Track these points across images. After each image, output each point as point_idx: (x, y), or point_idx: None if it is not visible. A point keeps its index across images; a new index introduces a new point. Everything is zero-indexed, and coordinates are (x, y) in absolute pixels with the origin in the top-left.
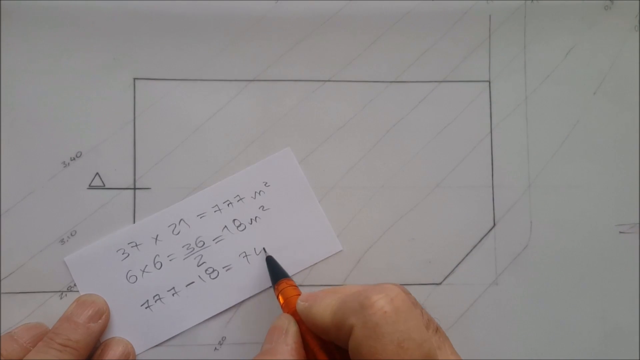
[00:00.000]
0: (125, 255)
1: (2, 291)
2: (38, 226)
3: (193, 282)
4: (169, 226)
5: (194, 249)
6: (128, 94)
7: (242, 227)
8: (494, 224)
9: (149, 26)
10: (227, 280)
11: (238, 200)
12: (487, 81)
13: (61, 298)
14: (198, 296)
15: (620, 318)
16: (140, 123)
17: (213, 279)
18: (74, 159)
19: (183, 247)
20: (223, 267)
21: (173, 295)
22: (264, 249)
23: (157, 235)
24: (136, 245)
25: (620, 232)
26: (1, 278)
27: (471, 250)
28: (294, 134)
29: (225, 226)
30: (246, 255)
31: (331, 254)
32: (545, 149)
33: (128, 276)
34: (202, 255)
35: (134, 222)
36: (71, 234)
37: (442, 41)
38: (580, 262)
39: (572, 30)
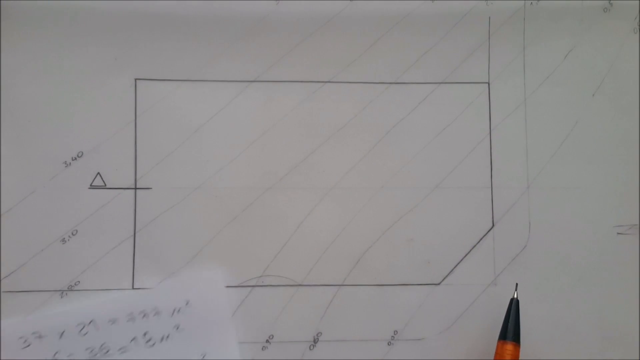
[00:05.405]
0: (27, 344)
1: (2, 290)
2: (39, 225)
3: None
4: (78, 325)
5: (96, 354)
6: (129, 94)
7: (151, 343)
8: (493, 225)
9: (150, 27)
10: None
11: (155, 314)
12: (486, 83)
13: (62, 297)
14: None
15: (618, 319)
16: (142, 123)
17: None
18: (75, 158)
19: (86, 349)
20: None
21: None
22: (516, 284)
23: (64, 332)
24: (39, 337)
25: (618, 234)
26: (2, 277)
27: (470, 251)
28: (295, 135)
29: (135, 337)
30: None
31: None
32: (544, 150)
33: None
34: None
35: (135, 223)
36: (72, 234)
37: (441, 43)
38: (578, 263)
39: (571, 31)
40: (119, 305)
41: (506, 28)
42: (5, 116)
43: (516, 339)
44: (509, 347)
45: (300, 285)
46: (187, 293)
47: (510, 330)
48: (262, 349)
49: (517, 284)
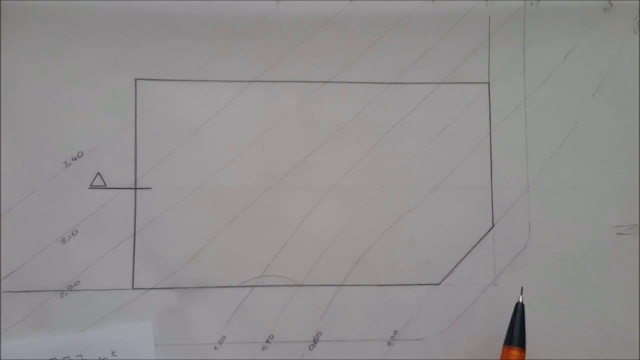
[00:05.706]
0: None
1: (2, 290)
2: (39, 225)
3: None
4: None
5: None
6: (129, 94)
7: None
8: (493, 225)
9: (151, 26)
10: None
11: None
12: (486, 83)
13: (62, 297)
14: None
15: (618, 319)
16: (142, 123)
17: None
18: (76, 158)
19: None
20: None
21: None
22: (521, 288)
23: None
24: None
25: (618, 234)
26: (2, 277)
27: (470, 251)
28: (295, 135)
29: None
30: None
31: None
32: (544, 150)
33: None
34: None
35: (135, 223)
36: (72, 233)
37: (441, 43)
38: (578, 263)
39: (572, 32)
40: (44, 347)
41: (506, 28)
42: (5, 116)
43: (521, 344)
44: (515, 352)
45: (300, 285)
46: (114, 343)
47: (516, 335)
48: (262, 349)
49: (522, 288)
